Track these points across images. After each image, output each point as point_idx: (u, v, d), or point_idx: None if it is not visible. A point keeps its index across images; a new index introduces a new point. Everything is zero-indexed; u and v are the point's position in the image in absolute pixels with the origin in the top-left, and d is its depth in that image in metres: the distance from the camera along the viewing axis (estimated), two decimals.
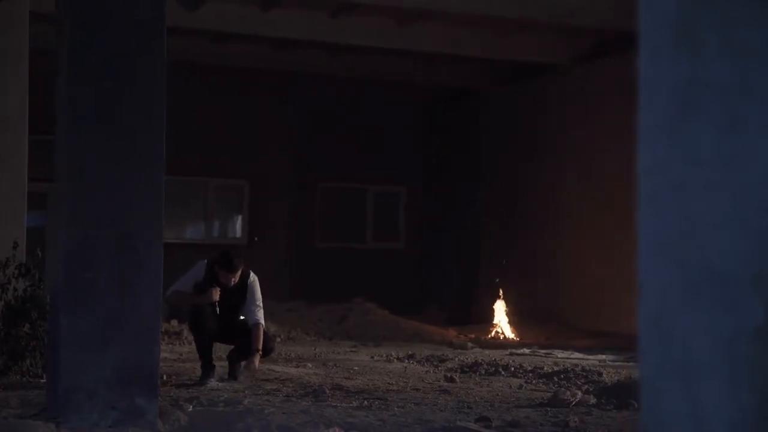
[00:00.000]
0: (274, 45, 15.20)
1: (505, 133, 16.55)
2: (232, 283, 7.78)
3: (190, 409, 6.16)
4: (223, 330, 7.80)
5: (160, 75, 5.56)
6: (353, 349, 11.26)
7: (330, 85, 17.01)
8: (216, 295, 7.67)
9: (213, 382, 7.49)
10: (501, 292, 14.45)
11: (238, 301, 7.85)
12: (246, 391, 7.08)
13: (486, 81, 16.94)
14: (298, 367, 9.07)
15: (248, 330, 7.77)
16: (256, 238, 16.70)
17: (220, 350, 8.34)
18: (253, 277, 7.95)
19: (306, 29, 13.91)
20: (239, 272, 7.80)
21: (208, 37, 14.63)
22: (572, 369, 8.70)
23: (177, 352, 10.17)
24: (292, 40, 14.64)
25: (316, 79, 16.73)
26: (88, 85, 5.49)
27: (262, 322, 7.86)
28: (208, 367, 7.67)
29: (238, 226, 17.24)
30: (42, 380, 7.08)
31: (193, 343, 8.18)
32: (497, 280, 14.52)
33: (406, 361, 9.97)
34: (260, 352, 7.77)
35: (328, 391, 7.08)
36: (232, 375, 7.79)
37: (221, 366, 7.93)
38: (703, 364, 1.55)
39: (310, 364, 9.30)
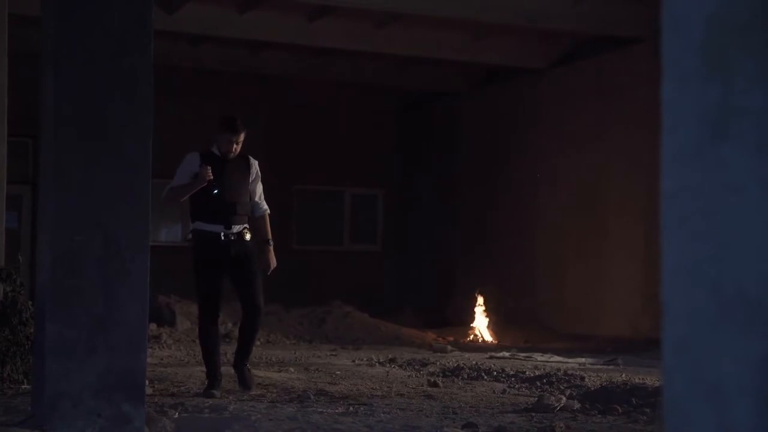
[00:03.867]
0: (250, 47, 15.16)
1: (482, 135, 16.58)
2: (235, 151, 7.44)
3: (176, 415, 6.13)
4: (234, 272, 7.66)
5: (147, 77, 5.51)
6: (333, 353, 11.24)
7: (307, 88, 16.99)
8: (208, 173, 7.28)
9: (217, 393, 7.09)
10: (478, 294, 14.49)
11: (241, 179, 7.59)
12: (230, 397, 7.04)
13: (462, 84, 16.98)
14: (280, 371, 9.04)
15: (252, 285, 7.70)
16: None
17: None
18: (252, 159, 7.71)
19: (283, 32, 13.89)
20: (244, 134, 7.44)
21: (185, 40, 14.57)
22: (554, 373, 8.72)
23: (157, 356, 10.11)
24: (269, 43, 14.62)
25: (292, 81, 16.70)
26: (75, 87, 5.44)
27: (269, 210, 7.86)
28: (214, 378, 7.27)
29: None
30: (23, 386, 7.01)
31: (199, 347, 7.81)
32: (477, 289, 14.54)
33: (388, 365, 9.97)
34: (271, 243, 7.77)
35: (312, 397, 7.07)
36: (243, 384, 7.38)
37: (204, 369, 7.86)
38: (734, 387, 1.56)
39: (292, 369, 9.28)
